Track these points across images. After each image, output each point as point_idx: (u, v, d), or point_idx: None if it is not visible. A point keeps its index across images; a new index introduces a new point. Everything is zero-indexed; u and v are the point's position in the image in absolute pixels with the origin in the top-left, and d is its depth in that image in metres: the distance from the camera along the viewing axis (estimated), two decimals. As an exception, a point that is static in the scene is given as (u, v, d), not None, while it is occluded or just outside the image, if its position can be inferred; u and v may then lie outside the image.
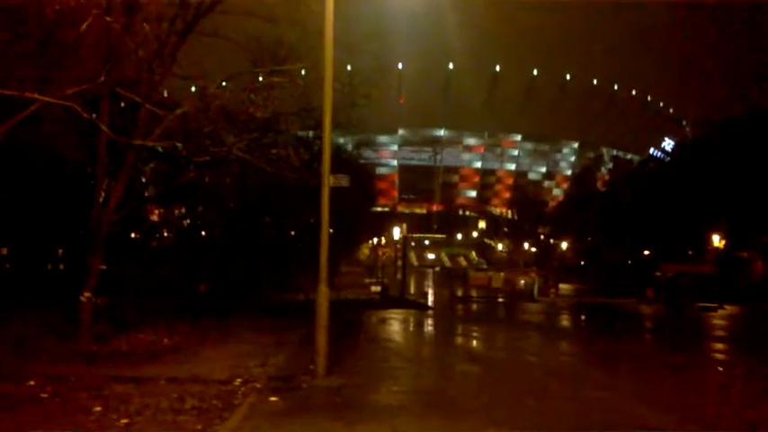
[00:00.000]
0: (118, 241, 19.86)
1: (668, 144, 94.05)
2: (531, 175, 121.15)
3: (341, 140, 36.22)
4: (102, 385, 9.07)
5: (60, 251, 25.46)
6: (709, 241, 44.26)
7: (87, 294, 12.93)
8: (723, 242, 43.23)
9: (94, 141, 13.55)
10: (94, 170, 14.36)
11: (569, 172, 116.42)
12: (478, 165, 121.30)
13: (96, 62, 11.59)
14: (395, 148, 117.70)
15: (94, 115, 12.23)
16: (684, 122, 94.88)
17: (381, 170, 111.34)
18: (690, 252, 50.59)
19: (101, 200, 13.70)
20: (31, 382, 9.12)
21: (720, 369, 13.99)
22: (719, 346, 18.66)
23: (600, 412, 8.52)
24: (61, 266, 25.23)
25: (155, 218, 28.04)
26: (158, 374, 10.04)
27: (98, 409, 7.86)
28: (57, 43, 10.89)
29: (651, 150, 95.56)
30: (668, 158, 71.74)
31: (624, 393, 9.86)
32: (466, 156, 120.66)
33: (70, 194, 19.18)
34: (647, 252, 53.21)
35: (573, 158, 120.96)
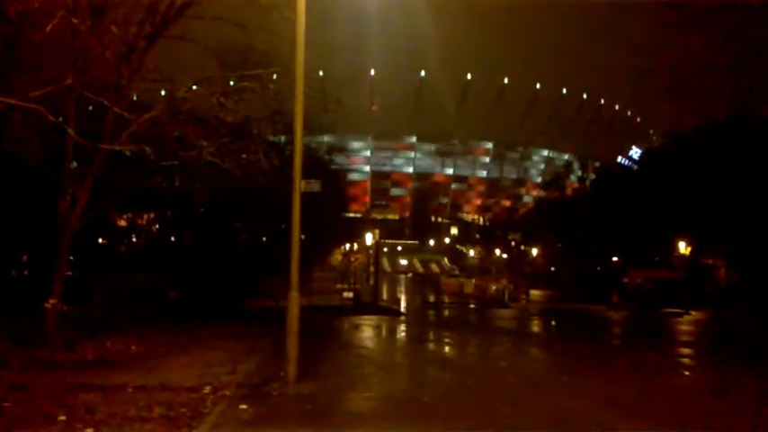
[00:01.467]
0: (85, 247, 19.49)
1: (636, 152, 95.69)
2: (502, 182, 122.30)
3: (313, 146, 36.09)
4: (67, 393, 8.88)
5: (25, 257, 24.87)
6: (676, 248, 45.08)
7: (53, 301, 12.67)
8: (689, 249, 44.07)
9: (61, 145, 13.31)
10: (60, 174, 14.09)
11: (539, 179, 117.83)
12: (450, 171, 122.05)
13: (62, 64, 11.38)
14: (367, 153, 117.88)
15: (61, 118, 12.01)
16: (651, 132, 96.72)
17: (354, 176, 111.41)
18: (657, 258, 51.46)
19: (67, 204, 13.44)
20: (-7, 391, 8.89)
21: (686, 373, 14.23)
22: (686, 350, 18.97)
23: (570, 418, 8.59)
24: (26, 272, 24.65)
25: (123, 223, 27.57)
26: (125, 382, 9.86)
27: (62, 417, 7.68)
28: (21, 44, 10.67)
29: (619, 158, 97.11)
30: (636, 166, 72.94)
31: (593, 398, 9.95)
32: (438, 163, 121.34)
33: (35, 199, 18.75)
34: (615, 258, 53.98)
35: (543, 166, 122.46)
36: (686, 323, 28.65)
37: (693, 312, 33.00)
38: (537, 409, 9.14)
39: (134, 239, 29.33)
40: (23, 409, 8.18)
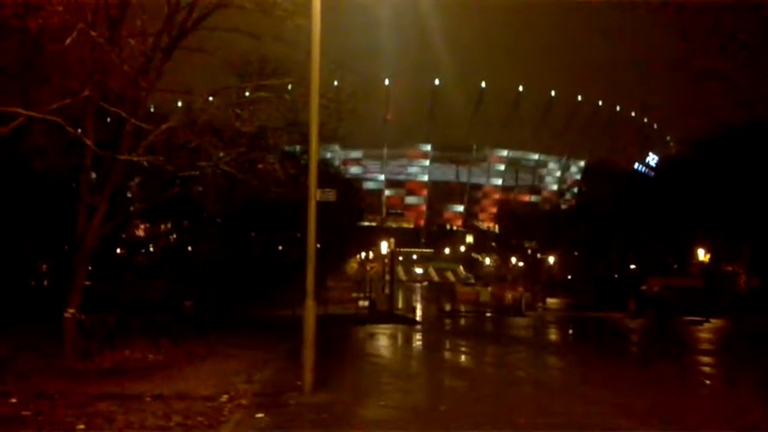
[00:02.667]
0: (103, 257, 19.68)
1: (653, 159, 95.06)
2: (517, 190, 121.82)
3: (328, 155, 36.27)
4: (85, 402, 8.94)
5: (44, 267, 25.17)
6: (695, 255, 44.61)
7: (71, 311, 12.78)
8: (708, 256, 43.60)
9: (79, 156, 13.46)
10: (79, 185, 14.25)
11: (555, 187, 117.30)
12: (465, 179, 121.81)
13: (81, 77, 11.54)
14: (382, 162, 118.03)
15: (79, 130, 12.16)
16: (669, 138, 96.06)
17: (369, 185, 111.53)
18: (675, 266, 50.95)
19: (85, 215, 13.58)
20: (13, 400, 8.98)
21: (707, 382, 14.04)
22: (706, 359, 18.73)
23: (587, 426, 8.50)
24: (45, 282, 24.94)
25: (140, 233, 27.83)
26: (143, 391, 9.91)
27: (81, 426, 7.73)
28: (41, 58, 10.84)
29: (636, 165, 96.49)
30: (653, 173, 72.44)
31: (610, 406, 9.84)
32: (452, 171, 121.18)
33: (54, 210, 19.00)
34: (633, 266, 53.52)
35: (558, 173, 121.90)
36: (706, 331, 28.27)
37: (713, 320, 32.56)
38: (553, 418, 9.06)
39: (151, 249, 29.58)
40: (43, 417, 8.24)
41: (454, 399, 10.99)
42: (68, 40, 10.23)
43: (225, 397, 9.74)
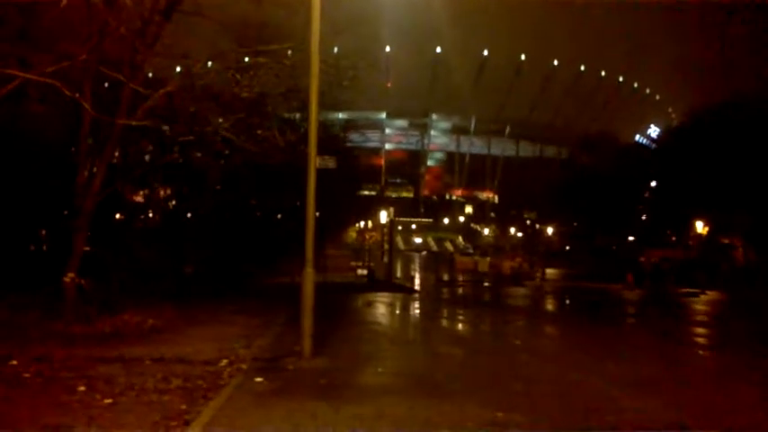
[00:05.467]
0: (102, 222, 19.65)
1: (654, 131, 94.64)
2: (518, 160, 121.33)
3: (328, 123, 36.04)
4: (86, 365, 9.04)
5: (43, 232, 25.17)
6: (693, 227, 44.71)
7: (71, 275, 12.84)
8: (706, 228, 43.71)
9: (78, 121, 13.38)
10: (78, 150, 14.19)
11: (555, 157, 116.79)
12: (466, 149, 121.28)
13: (78, 40, 11.41)
14: (382, 131, 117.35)
15: (77, 94, 12.07)
16: (671, 110, 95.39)
17: (368, 154, 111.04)
18: (673, 238, 51.10)
19: (84, 180, 13.55)
20: (14, 362, 9.07)
21: (701, 353, 14.19)
22: (701, 330, 18.89)
23: (582, 395, 8.62)
24: (44, 247, 24.96)
25: (139, 199, 27.77)
26: (143, 355, 10.01)
27: (82, 388, 7.82)
28: (38, 21, 10.70)
29: (637, 137, 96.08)
30: (654, 145, 72.22)
31: (605, 376, 9.95)
32: (453, 140, 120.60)
33: (53, 174, 18.92)
34: (631, 238, 53.68)
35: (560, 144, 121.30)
36: (702, 303, 28.49)
37: (709, 292, 32.78)
38: (549, 386, 9.17)
39: (150, 215, 29.56)
40: (43, 379, 8.34)
41: (451, 366, 11.11)
42: (64, 1, 10.07)
43: (224, 361, 9.85)
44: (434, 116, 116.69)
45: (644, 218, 52.90)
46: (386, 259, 39.59)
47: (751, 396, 8.93)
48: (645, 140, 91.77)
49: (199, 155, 15.84)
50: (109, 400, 7.37)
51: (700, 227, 43.64)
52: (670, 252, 45.08)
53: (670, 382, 9.72)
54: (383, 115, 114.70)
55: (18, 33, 11.96)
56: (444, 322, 19.64)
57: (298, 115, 22.06)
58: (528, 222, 77.88)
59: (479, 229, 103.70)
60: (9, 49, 10.88)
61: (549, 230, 70.25)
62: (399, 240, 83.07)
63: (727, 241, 45.57)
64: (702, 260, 41.52)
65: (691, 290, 33.06)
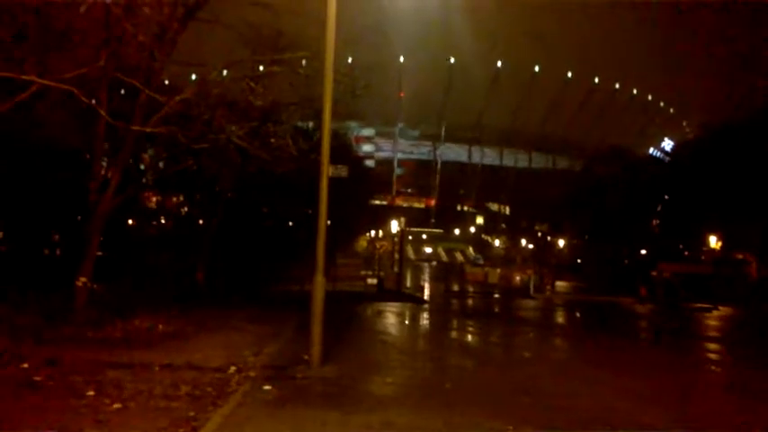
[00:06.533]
0: (115, 228, 19.81)
1: (668, 144, 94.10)
2: (531, 173, 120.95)
3: (340, 132, 36.19)
4: (95, 370, 9.06)
5: (57, 236, 25.39)
6: (706, 242, 44.33)
7: (83, 279, 12.93)
8: (719, 243, 43.33)
9: (93, 127, 13.50)
10: (93, 156, 14.32)
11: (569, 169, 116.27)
12: (478, 160, 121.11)
13: (96, 46, 11.53)
14: (395, 141, 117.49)
15: (93, 100, 12.19)
16: (685, 123, 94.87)
17: (380, 163, 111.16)
18: (686, 252, 50.67)
19: (98, 186, 13.66)
20: (25, 365, 9.12)
21: (713, 368, 14.03)
22: (712, 346, 18.70)
23: (593, 410, 8.53)
24: (58, 252, 25.17)
25: (152, 205, 27.98)
26: (153, 361, 10.02)
27: (91, 393, 7.84)
28: (56, 26, 10.82)
29: (651, 150, 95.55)
30: (668, 158, 71.77)
31: (616, 390, 9.86)
32: (465, 151, 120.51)
33: (68, 179, 19.11)
34: (643, 251, 53.28)
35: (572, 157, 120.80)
36: (714, 318, 28.22)
37: (722, 308, 32.46)
38: (560, 399, 9.09)
39: (163, 222, 29.74)
40: (53, 383, 8.37)
41: (461, 377, 11.05)
42: (83, 8, 10.20)
43: (233, 368, 9.84)
44: (447, 126, 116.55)
45: (656, 231, 52.49)
46: (396, 269, 39.59)
47: (761, 411, 8.81)
48: (659, 154, 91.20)
49: (212, 162, 15.90)
50: (118, 405, 7.39)
51: (713, 241, 43.27)
52: (683, 266, 44.69)
53: (679, 396, 9.61)
54: (396, 125, 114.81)
55: (35, 39, 12.09)
56: (454, 333, 19.56)
57: (311, 124, 22.17)
58: (539, 234, 77.53)
59: (490, 240, 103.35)
60: (26, 54, 11.00)
61: (561, 243, 69.91)
62: (410, 250, 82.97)
63: (740, 256, 45.14)
64: (715, 275, 41.11)
65: (703, 305, 32.75)
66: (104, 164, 14.96)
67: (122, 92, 14.41)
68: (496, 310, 30.23)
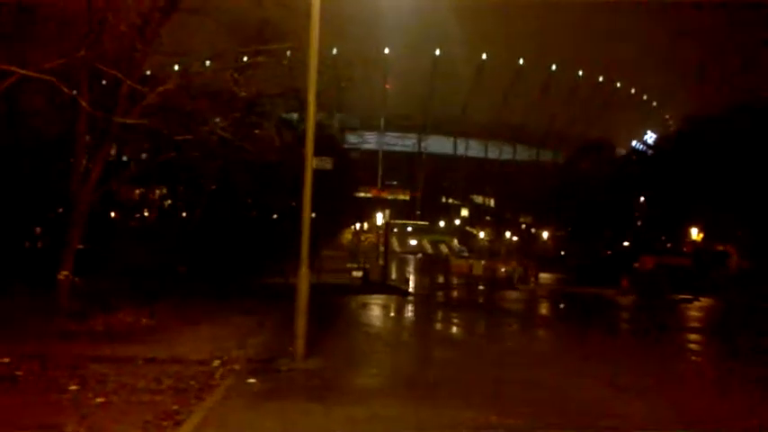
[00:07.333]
0: (97, 220, 19.62)
1: (650, 137, 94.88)
2: (515, 165, 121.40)
3: (325, 124, 36.06)
4: (78, 364, 8.99)
5: (38, 229, 25.12)
6: (688, 234, 44.84)
7: (65, 273, 12.81)
8: (701, 235, 43.84)
9: (74, 118, 13.35)
10: (74, 147, 14.15)
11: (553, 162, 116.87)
12: (462, 152, 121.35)
13: (76, 36, 11.37)
14: (379, 133, 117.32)
15: (75, 91, 12.03)
16: (668, 116, 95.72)
17: (365, 156, 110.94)
18: (668, 245, 51.21)
19: (80, 178, 13.51)
20: (6, 360, 9.02)
21: (693, 358, 14.21)
22: (693, 336, 18.92)
23: (576, 399, 8.62)
24: (39, 245, 24.90)
25: (135, 197, 27.76)
26: (136, 354, 9.96)
27: (74, 387, 7.79)
28: (35, 15, 10.66)
29: (634, 143, 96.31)
30: (650, 151, 72.39)
31: (599, 380, 9.94)
32: (450, 143, 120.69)
33: (49, 171, 18.89)
34: (626, 243, 53.78)
35: (556, 149, 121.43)
36: (695, 309, 28.55)
37: (703, 299, 32.86)
38: (543, 390, 9.16)
39: (146, 214, 29.52)
40: (35, 378, 8.30)
41: (445, 368, 11.08)
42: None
43: (217, 362, 9.81)
44: (432, 119, 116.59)
45: (639, 224, 53.00)
46: (381, 261, 39.57)
47: (743, 401, 8.93)
48: (641, 146, 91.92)
49: (195, 154, 15.77)
50: (101, 399, 7.34)
51: (694, 233, 43.77)
52: (664, 258, 45.13)
53: (663, 387, 9.71)
54: (381, 117, 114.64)
55: (16, 29, 11.91)
56: (438, 325, 19.62)
57: (295, 116, 22.08)
58: (523, 226, 77.97)
59: (475, 232, 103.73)
60: (6, 44, 10.84)
61: (545, 235, 70.37)
62: (395, 242, 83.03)
63: (721, 248, 45.70)
64: (696, 267, 41.58)
65: (684, 296, 33.12)
66: (86, 155, 14.77)
67: (104, 83, 14.24)
68: (481, 301, 30.37)
